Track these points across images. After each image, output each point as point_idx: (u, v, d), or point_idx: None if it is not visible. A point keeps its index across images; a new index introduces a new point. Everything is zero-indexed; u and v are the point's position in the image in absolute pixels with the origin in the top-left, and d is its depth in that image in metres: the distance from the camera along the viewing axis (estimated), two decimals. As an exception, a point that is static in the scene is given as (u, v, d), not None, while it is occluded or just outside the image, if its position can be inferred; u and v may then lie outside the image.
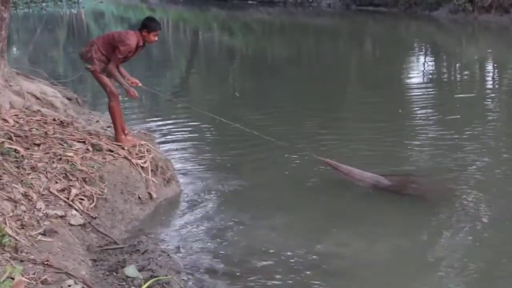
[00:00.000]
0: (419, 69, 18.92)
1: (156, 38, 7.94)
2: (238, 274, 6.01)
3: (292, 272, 6.04)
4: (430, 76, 17.75)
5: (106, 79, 7.79)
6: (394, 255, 6.46)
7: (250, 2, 42.82)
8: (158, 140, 9.94)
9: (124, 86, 7.92)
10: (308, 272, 6.04)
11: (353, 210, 7.66)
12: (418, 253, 6.50)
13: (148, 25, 7.84)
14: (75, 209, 6.43)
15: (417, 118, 12.13)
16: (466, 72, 18.75)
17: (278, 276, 5.98)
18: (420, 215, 7.41)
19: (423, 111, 12.61)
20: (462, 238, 6.81)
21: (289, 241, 6.71)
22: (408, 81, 16.96)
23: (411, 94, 14.80)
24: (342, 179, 8.30)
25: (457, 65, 20.35)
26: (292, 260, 6.29)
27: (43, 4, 41.44)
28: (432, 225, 7.19)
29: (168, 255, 6.20)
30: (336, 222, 7.27)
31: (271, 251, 6.49)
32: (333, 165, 8.36)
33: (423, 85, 15.71)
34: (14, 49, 24.15)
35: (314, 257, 6.35)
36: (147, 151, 8.05)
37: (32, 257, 5.12)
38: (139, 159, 7.84)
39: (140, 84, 8.18)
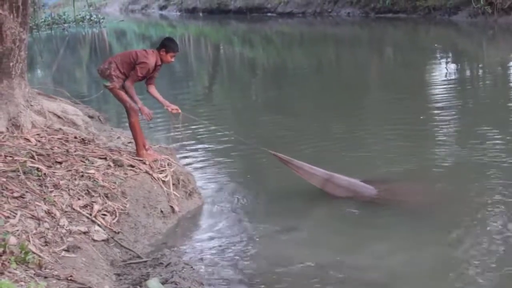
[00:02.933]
0: (441, 74, 18.78)
1: (173, 59, 8.03)
2: (263, 286, 5.96)
3: (321, 285, 5.92)
4: (452, 80, 17.59)
5: (125, 96, 7.86)
6: (434, 267, 6.25)
7: (269, 14, 42.87)
8: (179, 154, 9.98)
9: (138, 105, 7.92)
10: (340, 285, 5.90)
11: (382, 220, 7.45)
12: (460, 263, 6.31)
13: (166, 45, 7.93)
14: (98, 225, 6.49)
15: (440, 121, 12.05)
16: (488, 75, 18.59)
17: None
18: (456, 223, 7.21)
19: (445, 114, 12.53)
20: (502, 247, 6.59)
21: (316, 253, 6.58)
22: (429, 85, 16.85)
23: (433, 98, 14.73)
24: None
25: (479, 68, 20.19)
26: (320, 273, 6.13)
27: (65, 25, 41.85)
28: (472, 232, 6.98)
29: (191, 267, 6.20)
30: (367, 233, 7.08)
31: (297, 263, 6.37)
32: (284, 159, 8.31)
33: (445, 89, 15.56)
34: (39, 70, 24.40)
35: (346, 269, 6.17)
36: (168, 165, 8.10)
37: (56, 273, 5.16)
38: (161, 173, 7.89)
39: (180, 111, 8.18)
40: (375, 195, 8.02)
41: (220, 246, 6.96)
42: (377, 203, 7.84)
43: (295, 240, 7.04)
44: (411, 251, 6.58)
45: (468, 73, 19.65)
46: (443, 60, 21.99)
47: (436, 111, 12.98)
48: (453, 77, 18.22)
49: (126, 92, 7.85)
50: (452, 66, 20.50)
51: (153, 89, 8.16)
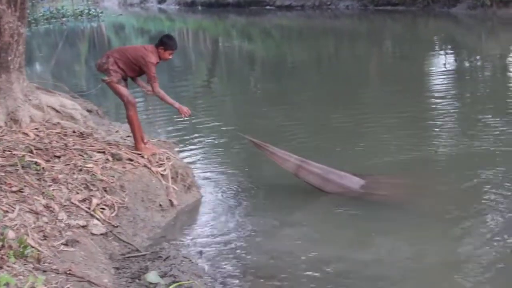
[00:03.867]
0: (440, 65, 18.78)
1: (170, 57, 7.97)
2: (262, 280, 5.94)
3: (322, 279, 5.88)
4: (451, 72, 17.60)
5: (122, 89, 7.84)
6: (439, 260, 6.19)
7: (268, 7, 42.84)
8: (177, 148, 9.96)
9: (176, 106, 7.95)
10: (341, 279, 5.85)
11: (383, 214, 7.35)
12: (465, 256, 6.28)
13: (165, 42, 7.87)
14: (97, 219, 6.49)
15: (439, 112, 12.05)
16: (487, 66, 18.60)
17: (307, 282, 5.84)
18: (459, 215, 7.18)
19: (445, 105, 12.57)
20: (509, 239, 6.52)
21: (316, 247, 6.55)
22: (429, 77, 16.88)
23: (432, 89, 14.76)
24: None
25: (478, 59, 20.20)
26: (321, 267, 6.08)
27: (64, 19, 41.75)
28: (476, 225, 6.93)
29: (190, 260, 6.22)
30: (368, 227, 7.02)
31: (297, 257, 6.33)
32: (258, 144, 8.28)
33: (444, 81, 15.59)
34: (37, 65, 24.36)
35: (347, 263, 6.14)
36: (166, 158, 8.10)
37: (54, 267, 5.17)
38: (159, 167, 7.89)
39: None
40: (362, 188, 7.95)
41: (219, 239, 6.96)
42: (370, 198, 7.76)
43: (295, 234, 7.01)
44: (414, 245, 6.53)
45: (467, 64, 19.66)
46: (442, 52, 21.98)
47: (435, 102, 13.01)
48: (452, 68, 18.25)
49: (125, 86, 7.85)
50: (451, 58, 20.50)
51: (139, 81, 8.18)
